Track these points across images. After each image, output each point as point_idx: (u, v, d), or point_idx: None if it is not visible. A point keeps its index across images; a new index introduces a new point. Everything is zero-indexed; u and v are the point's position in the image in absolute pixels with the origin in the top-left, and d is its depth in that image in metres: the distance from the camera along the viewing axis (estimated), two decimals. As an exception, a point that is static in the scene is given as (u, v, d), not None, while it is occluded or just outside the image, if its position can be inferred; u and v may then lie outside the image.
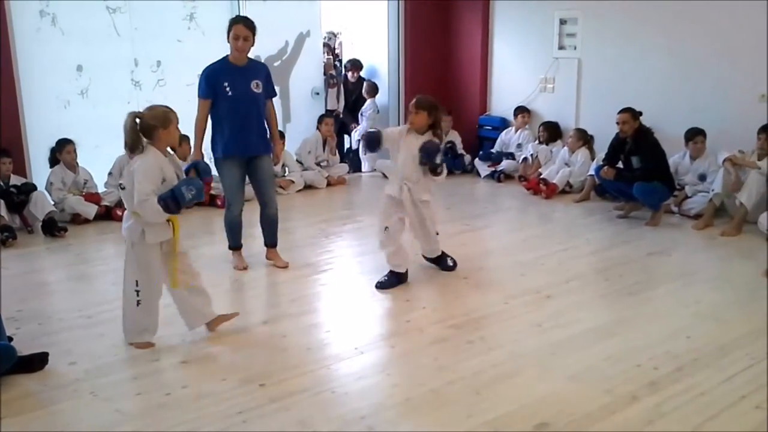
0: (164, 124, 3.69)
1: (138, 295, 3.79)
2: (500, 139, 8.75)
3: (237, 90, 4.92)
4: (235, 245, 5.37)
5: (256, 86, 4.99)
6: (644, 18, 7.35)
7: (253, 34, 4.96)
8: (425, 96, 4.79)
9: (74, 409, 3.25)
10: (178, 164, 3.90)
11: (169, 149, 3.85)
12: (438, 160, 4.61)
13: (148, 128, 3.68)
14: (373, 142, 4.76)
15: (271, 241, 5.38)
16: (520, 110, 8.62)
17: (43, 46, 6.76)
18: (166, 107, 3.78)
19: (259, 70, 5.11)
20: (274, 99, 5.26)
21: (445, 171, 4.74)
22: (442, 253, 5.13)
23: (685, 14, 7.00)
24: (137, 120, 3.67)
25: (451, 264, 5.15)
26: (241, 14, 5.02)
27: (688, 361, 3.65)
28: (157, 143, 3.71)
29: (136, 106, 7.34)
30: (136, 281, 3.79)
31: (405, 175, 4.71)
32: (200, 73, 5.10)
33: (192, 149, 5.26)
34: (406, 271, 4.87)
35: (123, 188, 3.72)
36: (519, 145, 8.58)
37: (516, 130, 8.67)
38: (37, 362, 3.59)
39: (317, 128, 8.27)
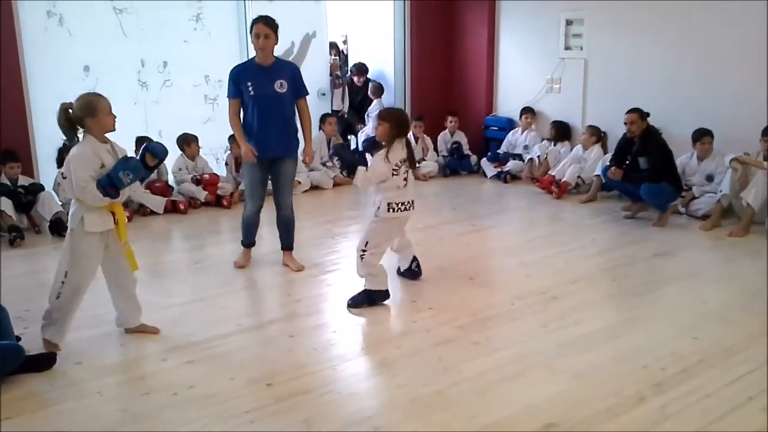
0: (91, 113, 3.68)
1: (61, 287, 3.73)
2: (507, 140, 8.76)
3: (258, 90, 4.92)
4: (246, 242, 5.40)
5: (280, 86, 4.95)
6: (651, 18, 7.33)
7: (275, 32, 4.95)
8: (388, 108, 4.63)
9: (81, 409, 3.26)
10: (122, 151, 3.86)
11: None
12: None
13: (77, 119, 3.69)
14: (372, 146, 4.68)
15: (285, 244, 5.37)
16: (525, 111, 8.62)
17: (50, 46, 6.80)
18: (94, 95, 3.79)
19: (284, 69, 5.06)
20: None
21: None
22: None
23: (693, 14, 6.98)
24: (69, 111, 3.69)
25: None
26: (259, 14, 4.99)
27: (695, 362, 3.64)
28: (90, 131, 3.70)
29: (143, 107, 7.41)
30: (66, 272, 3.73)
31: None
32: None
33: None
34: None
35: (64, 177, 3.70)
36: (525, 146, 8.58)
37: (522, 131, 8.66)
38: (44, 362, 3.61)
39: (320, 128, 8.28)
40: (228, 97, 5.04)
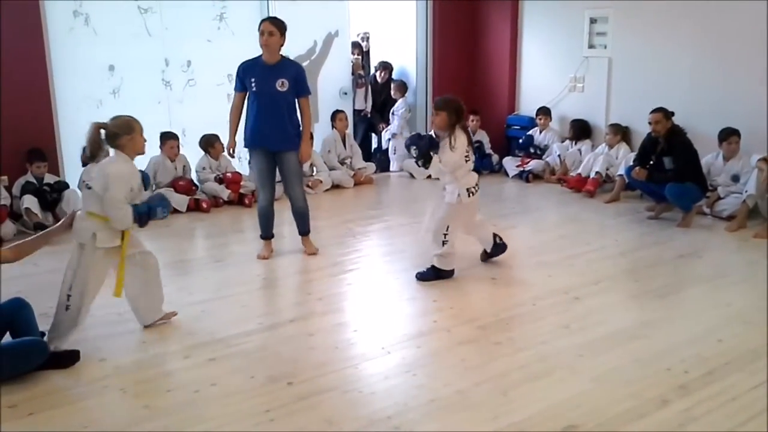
0: (128, 131, 3.77)
1: (68, 300, 3.79)
2: (527, 137, 8.68)
3: (260, 86, 5.15)
4: (264, 235, 5.55)
5: (282, 84, 5.13)
6: (676, 16, 7.24)
7: (281, 32, 5.12)
8: (442, 96, 4.86)
9: (104, 405, 3.30)
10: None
11: None
12: (413, 153, 4.80)
13: (113, 136, 3.76)
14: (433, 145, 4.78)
15: (302, 230, 5.59)
16: (540, 112, 8.56)
17: (76, 46, 6.87)
18: (130, 116, 3.86)
19: (288, 69, 5.21)
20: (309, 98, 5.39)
21: (428, 163, 4.74)
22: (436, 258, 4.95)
23: (718, 12, 6.89)
24: (101, 130, 3.75)
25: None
26: (271, 13, 5.30)
27: (719, 365, 3.59)
28: (123, 149, 3.78)
29: (167, 106, 7.47)
30: (71, 286, 3.80)
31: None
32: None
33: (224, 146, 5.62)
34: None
35: (89, 188, 3.74)
36: (546, 146, 8.52)
37: (540, 131, 8.60)
38: (68, 359, 3.65)
39: (332, 126, 8.28)
40: (234, 89, 5.35)
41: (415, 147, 4.74)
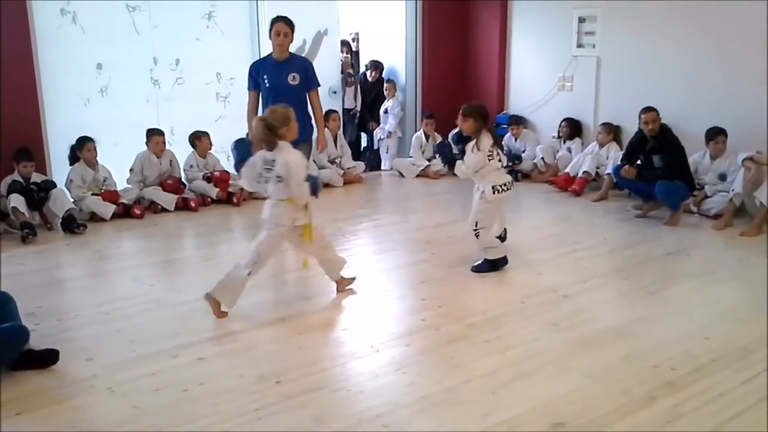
0: (286, 123, 4.20)
1: (251, 270, 4.24)
2: (504, 142, 8.65)
3: (273, 81, 5.53)
4: None
5: (293, 78, 5.56)
6: (664, 16, 7.28)
7: (292, 31, 5.61)
8: (470, 104, 5.09)
9: (91, 405, 3.28)
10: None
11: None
12: (444, 159, 5.26)
13: (274, 128, 4.15)
14: (460, 140, 5.14)
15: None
16: (512, 121, 8.61)
17: (64, 44, 6.83)
18: (283, 107, 4.26)
19: (297, 63, 5.67)
20: (319, 90, 5.84)
21: (452, 167, 5.14)
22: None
23: (706, 12, 6.93)
24: (267, 121, 4.14)
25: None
26: (279, 14, 5.74)
27: (707, 362, 3.61)
28: (283, 138, 4.20)
29: (155, 105, 7.44)
30: (254, 260, 4.26)
31: None
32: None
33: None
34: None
35: (281, 180, 4.20)
36: (524, 151, 8.51)
37: (515, 139, 8.59)
38: (48, 358, 3.60)
39: (325, 125, 8.26)
40: (247, 89, 5.63)
41: (440, 155, 5.22)
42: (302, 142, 5.40)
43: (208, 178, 7.27)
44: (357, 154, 9.17)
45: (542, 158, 8.31)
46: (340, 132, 8.62)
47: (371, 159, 9.28)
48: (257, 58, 7.87)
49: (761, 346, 3.79)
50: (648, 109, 6.41)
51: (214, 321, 4.20)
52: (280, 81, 5.53)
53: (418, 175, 8.65)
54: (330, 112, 8.30)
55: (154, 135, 7.06)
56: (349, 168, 8.40)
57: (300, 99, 5.56)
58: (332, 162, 8.32)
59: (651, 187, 6.32)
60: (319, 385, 3.42)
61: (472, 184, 5.13)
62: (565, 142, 8.22)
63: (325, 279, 4.99)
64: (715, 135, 6.60)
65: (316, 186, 4.36)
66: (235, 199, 7.26)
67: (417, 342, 3.92)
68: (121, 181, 6.99)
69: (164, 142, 7.14)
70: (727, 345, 3.82)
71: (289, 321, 4.26)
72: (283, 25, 5.53)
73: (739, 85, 6.76)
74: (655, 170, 6.33)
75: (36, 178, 6.36)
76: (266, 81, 5.52)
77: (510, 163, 8.39)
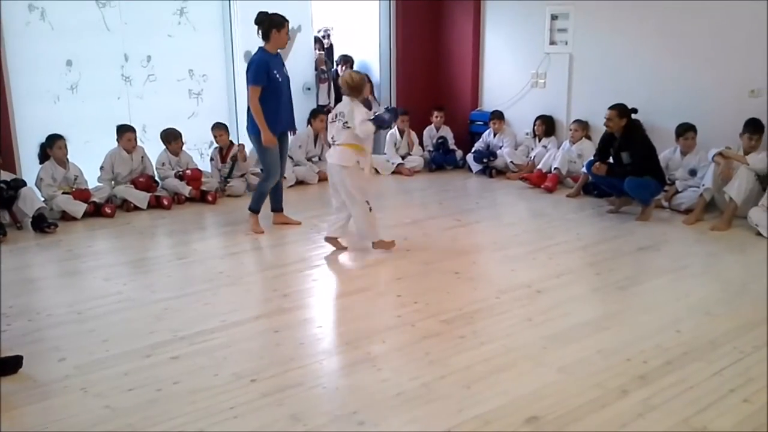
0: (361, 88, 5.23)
1: (369, 203, 5.27)
2: (482, 139, 8.72)
3: (282, 75, 5.87)
4: (279, 207, 6.32)
5: (287, 71, 5.98)
6: (635, 13, 7.36)
7: None
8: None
9: (64, 406, 3.24)
10: None
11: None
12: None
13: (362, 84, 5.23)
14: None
15: (282, 206, 6.31)
16: (494, 115, 8.60)
17: (33, 40, 6.72)
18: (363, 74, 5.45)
19: (281, 57, 5.99)
20: None
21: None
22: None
23: (676, 10, 7.02)
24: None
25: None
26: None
27: (678, 355, 3.67)
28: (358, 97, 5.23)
29: (126, 102, 7.37)
30: (365, 201, 5.23)
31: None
32: (249, 62, 5.85)
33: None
34: None
35: (347, 126, 5.11)
36: (500, 148, 8.54)
37: (494, 134, 8.63)
38: (11, 365, 3.53)
39: (309, 124, 8.26)
40: (256, 84, 5.72)
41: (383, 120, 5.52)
42: (291, 131, 6.26)
43: (180, 176, 7.21)
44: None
45: (512, 162, 8.34)
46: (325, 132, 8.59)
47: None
48: (230, 54, 7.85)
49: (731, 339, 3.85)
50: (610, 107, 6.48)
51: (188, 320, 4.17)
52: (286, 74, 5.93)
53: (393, 172, 8.66)
54: (317, 112, 8.29)
55: (126, 131, 6.99)
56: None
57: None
58: (309, 159, 8.30)
59: (622, 183, 6.39)
60: (295, 382, 3.41)
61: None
62: (540, 140, 8.27)
63: (301, 276, 5.01)
64: (685, 131, 6.69)
65: (379, 122, 5.18)
66: (210, 197, 7.21)
67: (393, 338, 3.94)
68: (92, 179, 6.90)
69: (135, 139, 7.06)
70: (697, 338, 3.88)
71: (265, 318, 4.25)
72: (289, 26, 5.90)
73: (708, 81, 6.85)
74: (625, 167, 6.40)
75: (5, 176, 6.26)
76: (278, 75, 5.79)
77: (485, 160, 8.47)
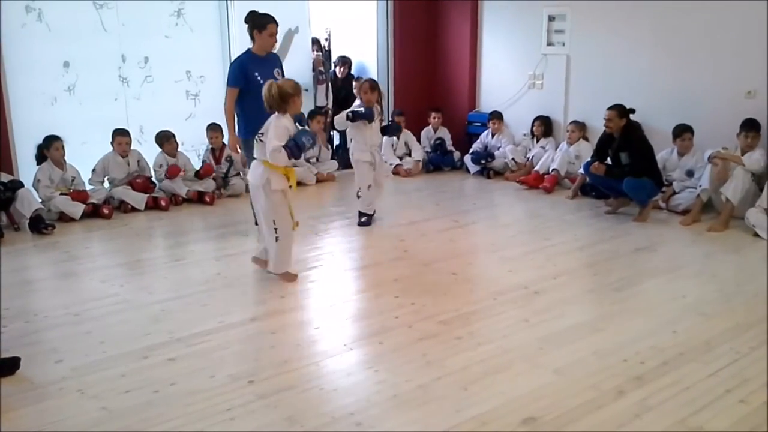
0: (297, 92, 4.59)
1: (276, 232, 4.68)
2: (480, 140, 8.72)
3: (265, 77, 5.44)
4: None
5: (277, 74, 5.72)
6: (633, 14, 7.37)
7: None
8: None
9: (61, 407, 3.23)
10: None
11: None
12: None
13: (285, 96, 4.52)
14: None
15: None
16: (493, 116, 8.61)
17: (30, 42, 6.72)
18: (294, 81, 4.69)
19: (276, 59, 5.88)
20: None
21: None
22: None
23: (673, 11, 7.03)
24: (280, 90, 4.50)
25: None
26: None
27: (674, 356, 3.67)
28: (288, 109, 4.56)
29: (124, 103, 7.37)
30: (273, 220, 4.67)
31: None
32: (231, 63, 5.90)
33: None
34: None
35: (261, 140, 4.58)
36: (498, 148, 8.55)
37: (493, 135, 8.64)
38: (8, 367, 3.53)
39: (306, 125, 8.24)
40: (230, 85, 5.66)
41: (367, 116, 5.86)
42: None
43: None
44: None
45: (513, 159, 8.34)
46: (323, 134, 8.60)
47: (343, 157, 9.25)
48: (227, 55, 7.84)
49: (727, 340, 3.86)
50: (609, 107, 6.49)
51: (185, 321, 4.17)
52: (270, 76, 5.60)
53: (390, 173, 8.66)
54: (315, 113, 8.30)
55: (118, 135, 6.98)
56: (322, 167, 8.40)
57: None
58: (307, 160, 8.29)
59: (620, 184, 6.40)
60: (292, 384, 3.41)
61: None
62: (538, 140, 8.28)
63: (299, 277, 4.99)
64: (682, 132, 6.70)
65: (297, 146, 4.54)
66: (207, 198, 7.21)
67: (390, 339, 3.93)
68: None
69: (129, 143, 7.04)
70: (693, 339, 3.89)
71: (261, 320, 4.25)
72: (276, 27, 5.75)
73: (705, 82, 6.86)
74: (623, 167, 6.40)
75: (2, 177, 6.26)
76: (259, 77, 5.56)
77: (483, 161, 8.47)
